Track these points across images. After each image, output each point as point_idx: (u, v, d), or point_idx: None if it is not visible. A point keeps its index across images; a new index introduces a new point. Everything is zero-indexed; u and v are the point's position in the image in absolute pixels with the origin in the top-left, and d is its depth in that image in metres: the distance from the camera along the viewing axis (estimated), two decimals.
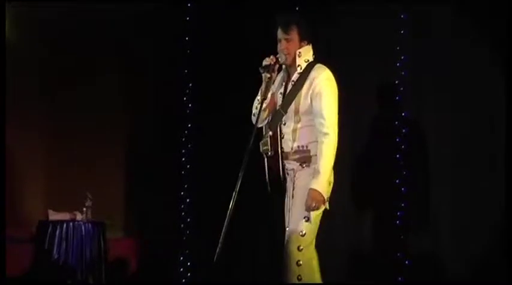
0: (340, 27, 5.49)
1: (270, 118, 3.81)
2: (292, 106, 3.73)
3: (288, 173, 3.76)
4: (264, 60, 3.78)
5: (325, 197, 3.60)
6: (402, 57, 5.25)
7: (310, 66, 3.76)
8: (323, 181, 3.58)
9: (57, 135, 5.92)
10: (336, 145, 3.67)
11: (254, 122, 3.77)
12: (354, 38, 5.42)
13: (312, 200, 3.56)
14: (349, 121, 5.30)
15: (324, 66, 3.77)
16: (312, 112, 3.68)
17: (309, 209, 3.59)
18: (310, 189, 3.56)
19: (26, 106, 5.76)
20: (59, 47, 5.88)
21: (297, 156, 3.69)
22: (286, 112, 3.72)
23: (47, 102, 5.91)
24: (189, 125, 5.89)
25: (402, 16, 5.26)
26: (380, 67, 5.36)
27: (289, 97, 3.74)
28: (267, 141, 3.55)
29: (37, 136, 5.86)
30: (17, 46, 5.61)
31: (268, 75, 3.75)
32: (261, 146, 3.61)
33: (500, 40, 4.86)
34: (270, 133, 3.56)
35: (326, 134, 3.63)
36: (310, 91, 3.68)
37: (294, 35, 3.76)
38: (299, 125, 3.70)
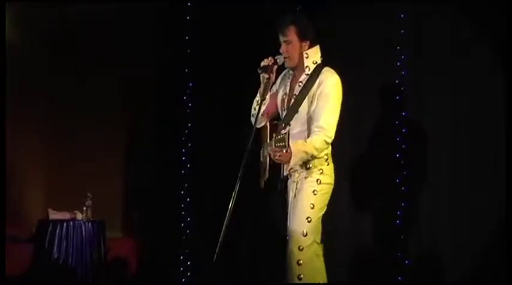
0: (341, 26, 5.50)
1: (283, 117, 3.80)
2: (301, 109, 3.72)
3: (290, 174, 3.76)
4: (262, 61, 3.78)
5: (291, 162, 3.55)
6: (402, 57, 5.26)
7: (318, 69, 3.75)
8: (302, 150, 3.54)
9: (57, 134, 5.93)
10: (326, 146, 3.65)
11: (253, 123, 3.77)
12: (354, 37, 5.42)
13: (282, 155, 3.50)
14: (350, 120, 5.31)
15: (332, 70, 3.76)
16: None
17: (271, 152, 3.56)
18: (293, 144, 3.50)
19: (26, 106, 5.76)
20: (59, 47, 5.89)
21: None
22: (297, 111, 3.71)
23: (47, 102, 5.92)
24: (189, 124, 5.89)
25: (402, 16, 5.26)
26: (380, 67, 5.36)
27: (299, 98, 3.74)
28: (283, 137, 3.47)
29: (37, 136, 5.87)
30: (17, 46, 5.61)
31: (267, 76, 3.76)
32: (273, 143, 3.54)
33: (500, 40, 4.87)
34: (286, 130, 3.52)
35: (319, 128, 3.62)
36: (317, 94, 3.68)
37: (293, 36, 3.75)
38: (307, 127, 3.70)
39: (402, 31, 5.26)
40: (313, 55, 3.77)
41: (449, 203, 5.10)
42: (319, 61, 3.79)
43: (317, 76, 3.71)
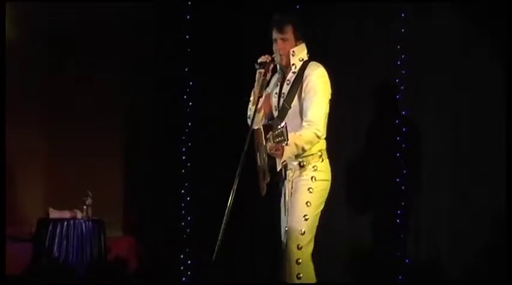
0: (341, 25, 5.50)
1: (277, 114, 3.79)
2: (293, 105, 3.72)
3: (286, 173, 3.76)
4: (260, 58, 3.78)
5: (283, 155, 3.50)
6: (403, 56, 5.25)
7: (304, 65, 3.76)
8: (292, 143, 3.48)
9: (57, 133, 5.95)
10: (316, 140, 3.61)
11: (250, 124, 3.77)
12: (354, 36, 5.42)
13: (278, 150, 3.47)
14: (350, 119, 5.34)
15: (318, 64, 3.76)
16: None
17: (269, 149, 3.53)
18: (292, 137, 3.45)
19: (26, 106, 5.78)
20: (59, 47, 5.89)
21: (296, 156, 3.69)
22: (290, 107, 3.71)
23: (46, 102, 5.93)
24: (190, 123, 5.89)
25: (403, 15, 5.26)
26: (380, 66, 5.36)
27: (288, 96, 3.73)
28: (281, 131, 3.38)
29: (37, 136, 5.89)
30: (17, 46, 5.62)
31: (263, 71, 3.75)
32: (271, 139, 3.48)
33: (501, 38, 4.86)
34: (282, 124, 3.44)
35: (308, 122, 3.60)
36: (304, 88, 3.68)
37: (290, 35, 3.75)
38: (298, 124, 3.69)
39: (403, 30, 5.25)
40: (299, 53, 3.77)
41: (449, 202, 5.10)
42: (305, 58, 3.79)
43: (303, 72, 3.72)
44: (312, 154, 3.69)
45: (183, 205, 5.85)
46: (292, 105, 3.71)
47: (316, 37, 4.62)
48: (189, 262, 5.77)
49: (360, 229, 5.34)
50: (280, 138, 3.39)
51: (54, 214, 5.48)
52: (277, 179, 3.76)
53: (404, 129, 5.26)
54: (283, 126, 3.37)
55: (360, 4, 5.34)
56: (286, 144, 3.41)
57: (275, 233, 3.92)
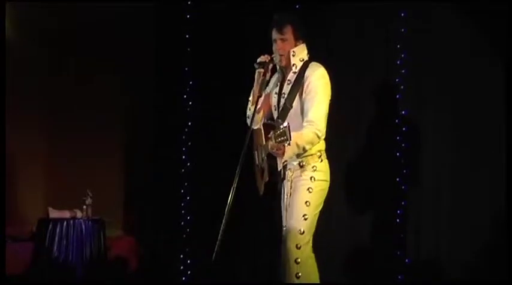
0: (341, 25, 5.50)
1: (277, 114, 3.80)
2: (294, 105, 3.73)
3: (286, 173, 3.77)
4: (259, 57, 3.79)
5: (285, 155, 3.53)
6: (402, 55, 5.25)
7: (305, 65, 3.77)
8: (294, 142, 3.48)
9: (57, 133, 5.96)
10: (317, 140, 3.62)
11: (249, 124, 3.77)
12: (354, 36, 5.42)
13: (280, 149, 3.47)
14: (350, 119, 5.34)
15: (319, 64, 3.77)
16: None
17: (271, 148, 3.53)
18: (293, 137, 3.42)
19: (26, 106, 5.78)
20: (58, 47, 5.90)
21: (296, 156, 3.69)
22: (291, 107, 3.72)
23: (46, 102, 5.93)
24: (189, 123, 5.90)
25: (402, 14, 5.26)
26: (380, 66, 5.36)
27: (289, 97, 3.74)
28: (284, 131, 3.37)
29: (37, 136, 5.89)
30: (17, 46, 5.63)
31: (262, 70, 3.76)
32: (273, 139, 3.45)
33: (501, 39, 4.86)
34: (285, 124, 3.43)
35: (309, 122, 3.61)
36: (305, 89, 3.69)
37: (289, 35, 3.76)
38: (298, 124, 3.69)
39: (402, 30, 5.25)
40: (299, 53, 3.78)
41: (449, 201, 5.10)
42: (306, 59, 3.79)
43: (304, 72, 3.72)
44: (312, 155, 3.70)
45: (183, 204, 5.85)
46: (293, 105, 3.72)
47: (316, 37, 4.62)
48: (189, 262, 5.77)
49: (359, 228, 5.33)
50: (282, 138, 3.39)
51: (54, 213, 5.48)
52: (276, 179, 3.77)
53: (404, 129, 5.25)
54: (286, 126, 3.37)
55: (360, 4, 5.33)
56: (289, 144, 3.42)
57: (274, 232, 3.92)
